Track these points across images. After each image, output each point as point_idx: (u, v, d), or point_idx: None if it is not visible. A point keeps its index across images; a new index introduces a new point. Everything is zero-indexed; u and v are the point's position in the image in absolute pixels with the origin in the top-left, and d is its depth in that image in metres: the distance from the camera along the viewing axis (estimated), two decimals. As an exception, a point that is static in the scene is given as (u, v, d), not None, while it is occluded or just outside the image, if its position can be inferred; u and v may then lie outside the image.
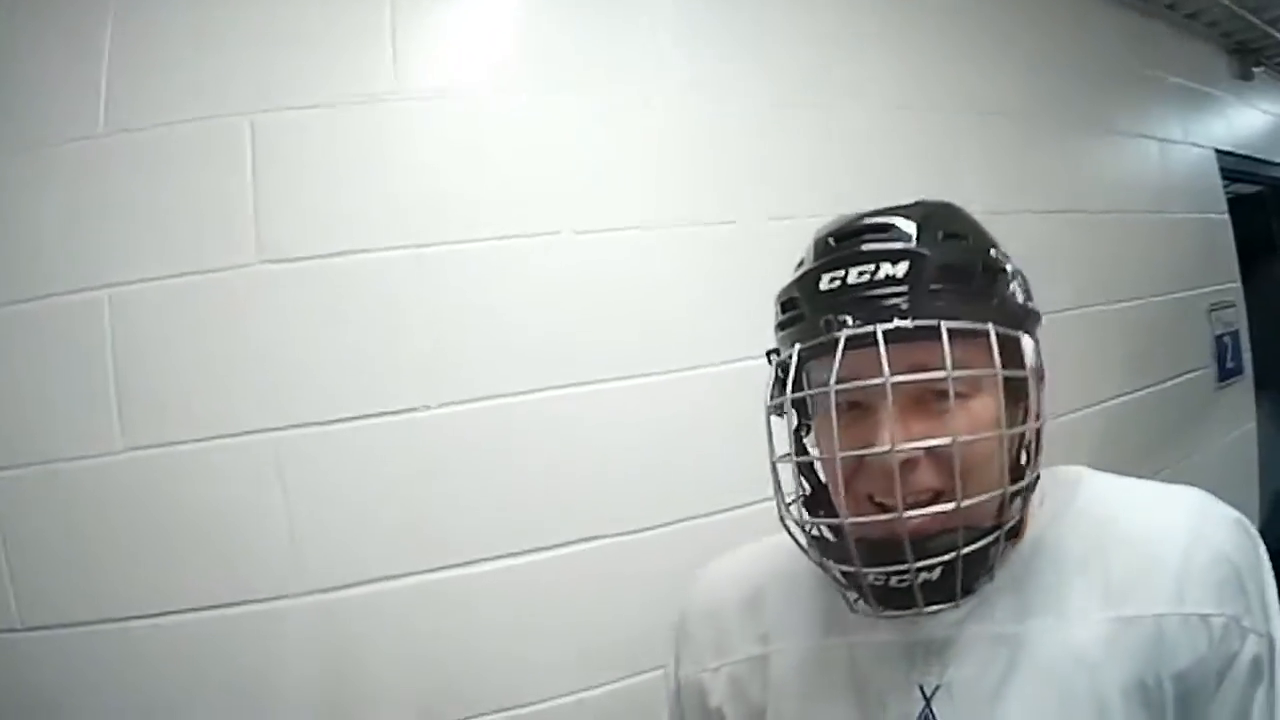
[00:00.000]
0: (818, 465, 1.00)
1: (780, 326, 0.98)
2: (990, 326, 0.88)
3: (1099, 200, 2.82)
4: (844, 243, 0.93)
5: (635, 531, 1.69)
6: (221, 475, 1.49)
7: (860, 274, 0.89)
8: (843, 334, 0.87)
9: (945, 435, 0.86)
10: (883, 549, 0.88)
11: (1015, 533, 0.96)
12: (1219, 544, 0.97)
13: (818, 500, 1.00)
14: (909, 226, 0.92)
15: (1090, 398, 2.59)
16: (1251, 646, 0.94)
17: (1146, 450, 2.83)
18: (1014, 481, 0.91)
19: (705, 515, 1.74)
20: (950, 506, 0.85)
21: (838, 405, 0.89)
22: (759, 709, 1.09)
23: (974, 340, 0.88)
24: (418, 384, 1.58)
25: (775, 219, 1.91)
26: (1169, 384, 3.01)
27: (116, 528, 1.46)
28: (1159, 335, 3.02)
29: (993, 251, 0.96)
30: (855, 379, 0.87)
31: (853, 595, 0.95)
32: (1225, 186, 3.75)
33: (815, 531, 0.97)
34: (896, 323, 0.86)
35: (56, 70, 1.54)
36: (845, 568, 0.91)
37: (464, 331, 1.61)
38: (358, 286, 1.55)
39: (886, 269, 0.89)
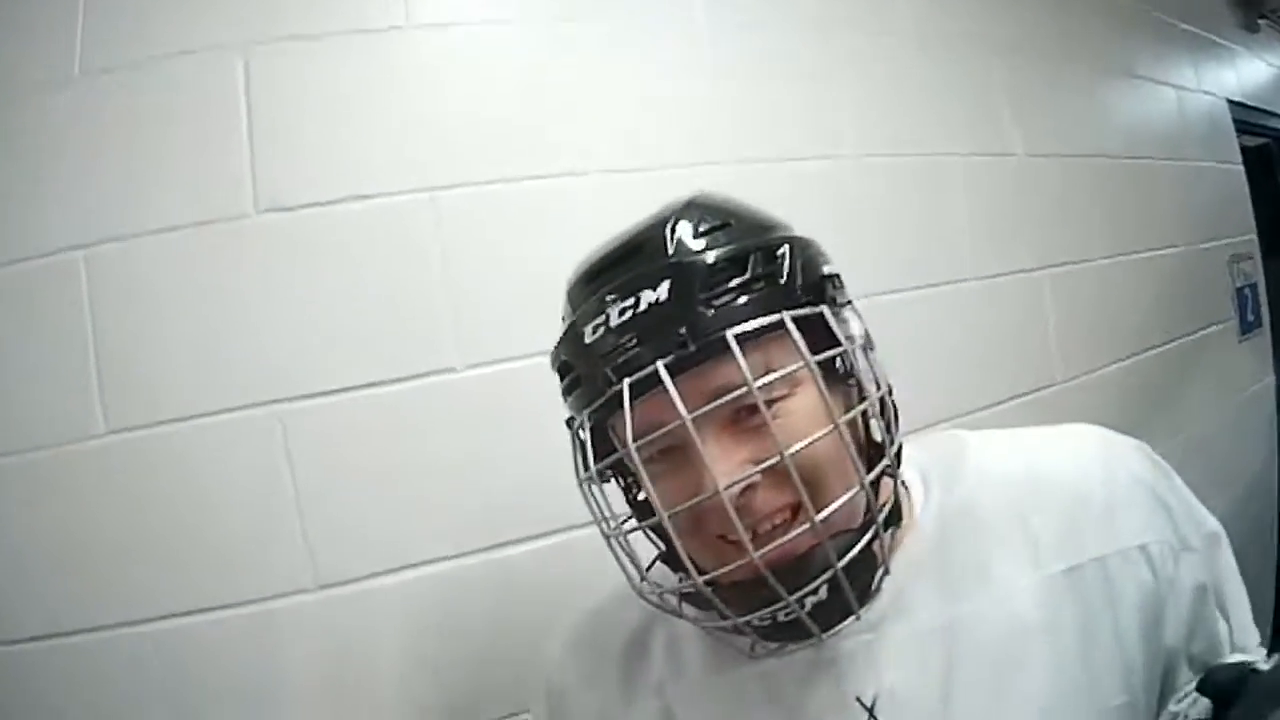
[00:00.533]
0: (661, 530, 0.92)
1: (565, 393, 0.92)
2: (784, 315, 0.82)
3: (1121, 145, 2.79)
4: (595, 283, 0.87)
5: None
6: (219, 456, 1.38)
7: (621, 312, 0.83)
8: (624, 385, 0.81)
9: (772, 451, 0.79)
10: (754, 590, 0.82)
11: (896, 517, 0.91)
12: (1133, 472, 0.97)
13: (672, 555, 0.91)
14: (661, 240, 0.87)
15: (1118, 352, 2.55)
16: (1191, 562, 0.94)
17: (1170, 407, 2.79)
18: (871, 466, 0.87)
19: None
20: (805, 527, 0.79)
21: (651, 459, 0.84)
22: None
23: (774, 335, 0.82)
24: (443, 343, 1.48)
25: (821, 157, 1.86)
26: (1194, 337, 2.98)
27: (101, 523, 1.37)
28: (1184, 287, 2.98)
29: (764, 229, 0.90)
30: (658, 425, 0.81)
31: (745, 642, 0.91)
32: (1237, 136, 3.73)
33: (683, 591, 0.90)
34: (675, 354, 0.80)
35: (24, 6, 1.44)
36: (722, 623, 0.86)
37: (488, 284, 1.51)
38: (367, 235, 1.46)
39: (647, 297, 0.83)
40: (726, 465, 0.80)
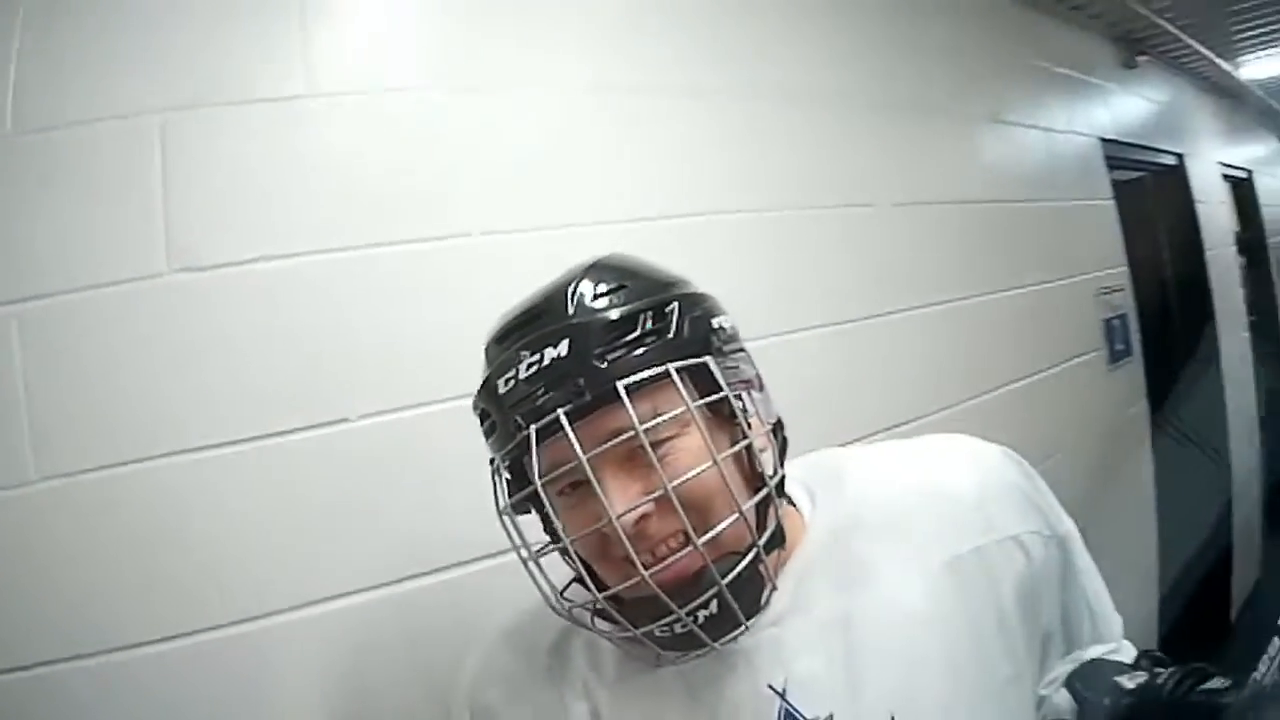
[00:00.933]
0: (569, 554, 1.02)
1: (486, 436, 1.03)
2: (669, 366, 0.94)
3: (987, 188, 2.99)
4: (506, 341, 1.00)
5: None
6: (146, 500, 1.45)
7: (529, 367, 0.95)
8: (530, 430, 0.93)
9: (659, 485, 0.91)
10: (651, 605, 0.93)
11: (779, 541, 1.04)
12: (1001, 472, 1.12)
13: (592, 575, 1.02)
14: (563, 302, 0.98)
15: (981, 386, 2.75)
16: (1057, 547, 1.11)
17: (1041, 433, 3.00)
18: (755, 492, 0.99)
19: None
20: (687, 551, 0.92)
21: (561, 492, 0.97)
22: None
23: (662, 383, 0.94)
24: (340, 395, 1.57)
25: (683, 215, 2.01)
26: (1060, 368, 3.19)
27: (36, 565, 1.40)
28: (1049, 320, 3.20)
29: (660, 288, 1.02)
30: (563, 464, 0.92)
31: (651, 655, 1.00)
32: (1108, 173, 3.95)
33: (594, 607, 1.00)
34: (572, 403, 0.92)
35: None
36: (626, 634, 0.98)
37: (382, 338, 1.62)
38: (273, 294, 1.55)
39: (550, 353, 0.95)
40: (621, 498, 0.92)
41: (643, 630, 0.95)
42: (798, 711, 1.01)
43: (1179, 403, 4.51)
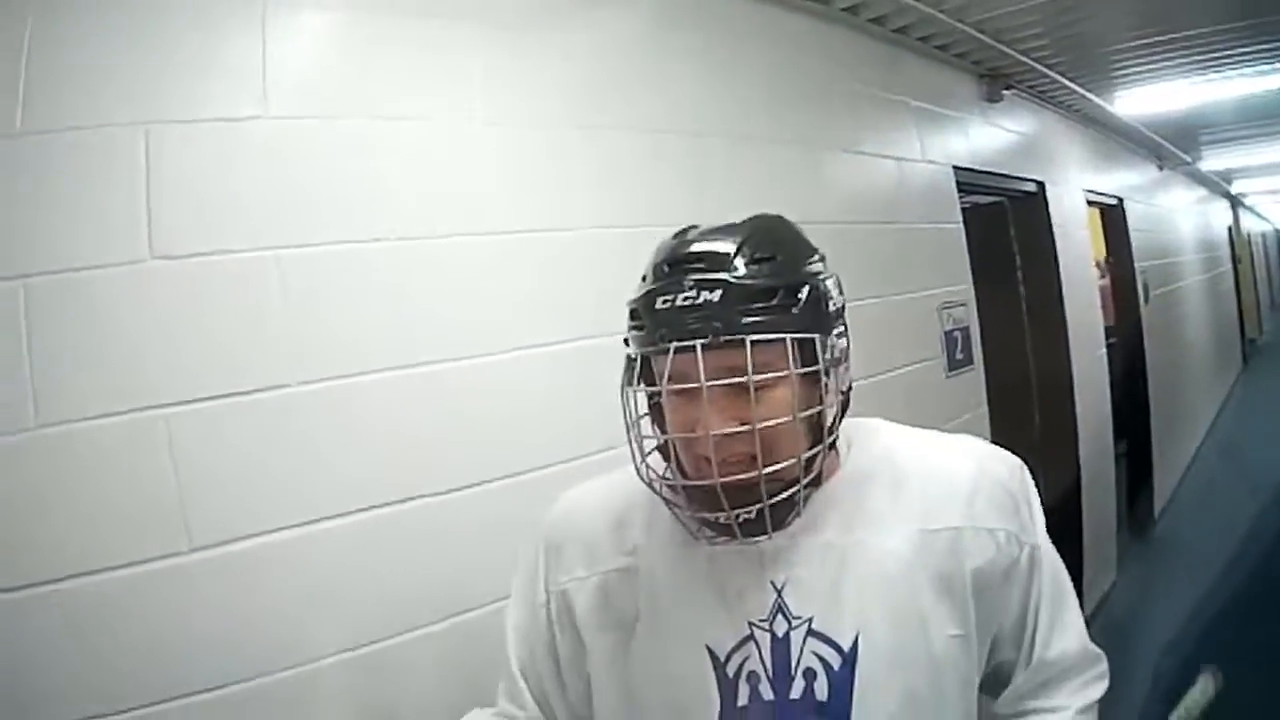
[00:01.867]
0: (663, 437, 1.30)
1: (631, 329, 1.26)
2: (786, 336, 1.19)
3: (838, 212, 3.38)
4: (675, 269, 1.22)
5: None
6: (127, 445, 1.74)
7: (685, 299, 1.18)
8: (671, 346, 1.17)
9: (746, 421, 1.18)
10: (710, 498, 1.20)
11: (817, 481, 1.29)
12: (999, 476, 1.38)
13: (666, 452, 1.31)
14: (727, 254, 1.21)
15: None
16: (1025, 554, 1.35)
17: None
18: (815, 443, 1.25)
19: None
20: (753, 474, 1.18)
21: (674, 392, 1.22)
22: (627, 618, 1.36)
23: (776, 345, 1.19)
24: (281, 365, 1.89)
25: (563, 229, 2.41)
26: (900, 371, 3.59)
27: (36, 500, 1.66)
28: (892, 330, 3.59)
29: (799, 268, 1.26)
30: (683, 376, 1.17)
31: (695, 527, 1.26)
32: (964, 197, 4.34)
33: (663, 480, 1.27)
34: (710, 339, 1.16)
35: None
36: (679, 508, 1.25)
37: (317, 320, 1.95)
38: (235, 280, 1.88)
39: (705, 295, 1.17)
40: (720, 419, 1.18)
41: (695, 513, 1.23)
42: (787, 606, 1.29)
43: (1024, 408, 5.02)
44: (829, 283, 1.30)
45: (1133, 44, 4.77)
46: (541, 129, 2.45)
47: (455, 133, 2.26)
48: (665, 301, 1.20)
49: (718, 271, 1.20)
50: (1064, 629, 1.38)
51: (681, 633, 1.33)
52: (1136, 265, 7.43)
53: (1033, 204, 5.34)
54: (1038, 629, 1.37)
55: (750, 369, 1.16)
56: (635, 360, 1.27)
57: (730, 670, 1.29)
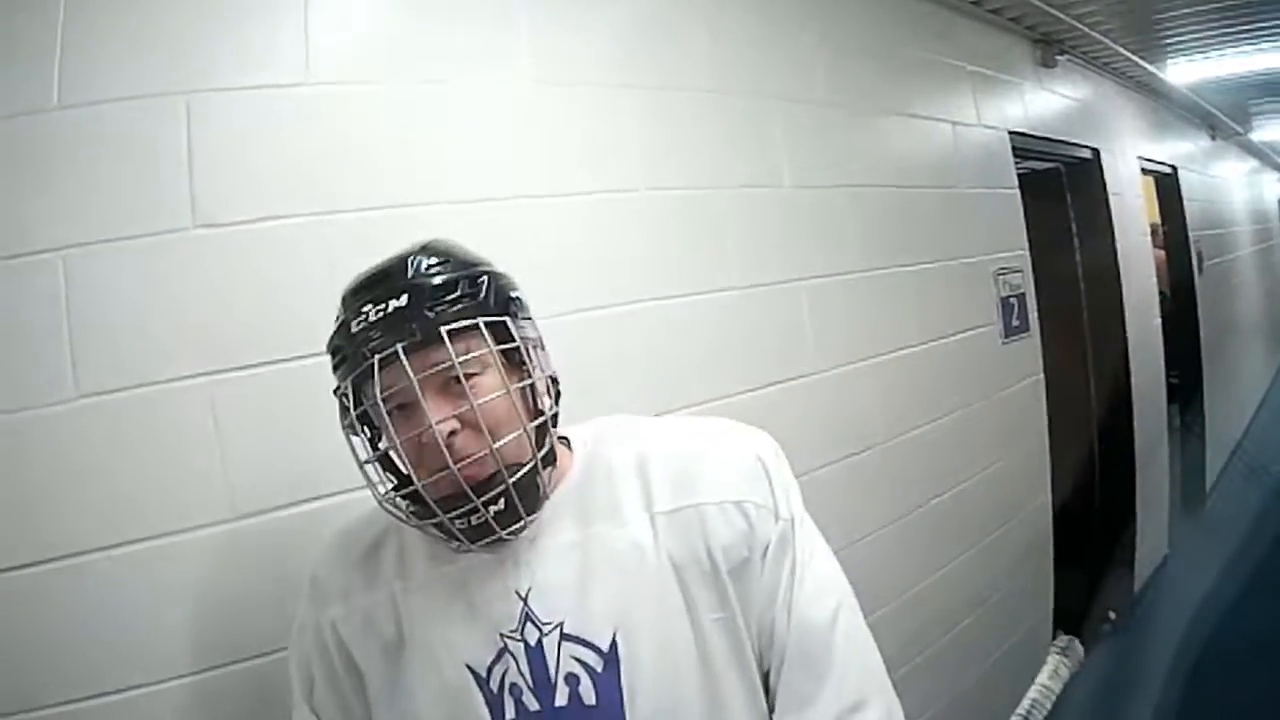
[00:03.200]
0: (396, 458, 1.28)
1: (335, 369, 1.29)
2: (478, 320, 1.23)
3: (894, 176, 3.35)
4: (360, 293, 1.26)
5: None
6: (166, 414, 1.74)
7: (377, 312, 1.22)
8: (375, 358, 1.20)
9: (464, 406, 1.20)
10: (456, 500, 1.21)
11: (551, 460, 1.32)
12: (745, 449, 1.38)
13: (403, 485, 1.29)
14: (404, 268, 1.26)
15: (882, 347, 3.14)
16: (779, 527, 1.33)
17: (937, 394, 3.42)
18: (533, 420, 1.27)
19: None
20: (484, 453, 1.20)
21: (390, 412, 1.22)
22: (392, 646, 1.35)
23: (471, 334, 1.22)
24: (329, 332, 1.71)
25: (618, 190, 2.39)
26: (955, 338, 3.56)
27: (75, 469, 1.68)
28: (947, 296, 3.56)
29: (471, 266, 1.30)
30: (395, 387, 1.20)
31: (453, 543, 1.28)
32: (1019, 163, 4.28)
33: (408, 505, 1.27)
34: (408, 339, 1.19)
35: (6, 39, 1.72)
36: (433, 521, 1.23)
37: None
38: (273, 249, 1.87)
39: (393, 304, 1.22)
40: (438, 411, 1.19)
41: (447, 516, 1.22)
42: (535, 615, 1.29)
43: (1079, 378, 4.95)
44: (508, 278, 1.35)
45: (1184, 11, 4.72)
46: (593, 88, 2.42)
47: (503, 94, 2.24)
48: (359, 323, 1.23)
49: (399, 281, 1.25)
50: (813, 601, 1.33)
51: (444, 653, 1.32)
52: (1190, 235, 7.31)
53: (1088, 170, 5.24)
54: (792, 601, 1.32)
55: (454, 357, 1.20)
56: (347, 396, 1.26)
57: (494, 686, 1.29)
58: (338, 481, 1.79)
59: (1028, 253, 4.22)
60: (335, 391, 1.29)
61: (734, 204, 2.72)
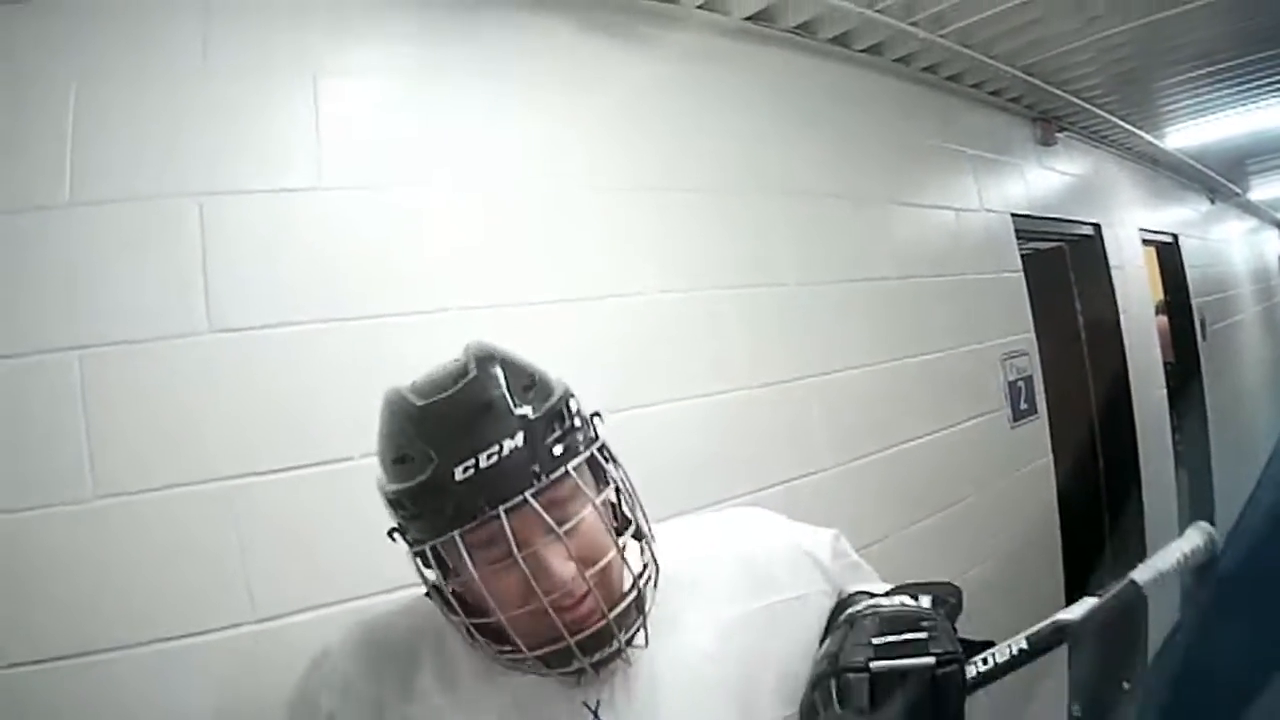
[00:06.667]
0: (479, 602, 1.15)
1: (409, 518, 1.15)
2: (592, 451, 1.17)
3: (896, 266, 3.36)
4: (455, 431, 1.10)
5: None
6: (184, 517, 1.74)
7: (489, 457, 1.07)
8: (501, 511, 1.06)
9: (579, 560, 1.11)
10: (556, 642, 1.12)
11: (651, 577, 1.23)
12: (786, 537, 1.37)
13: (483, 625, 1.17)
14: (503, 399, 1.11)
15: (891, 439, 3.14)
16: (829, 599, 1.32)
17: (948, 483, 3.41)
18: (637, 553, 1.22)
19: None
20: (602, 623, 1.13)
21: (491, 564, 1.11)
22: None
23: (578, 471, 1.14)
24: (345, 437, 1.83)
25: (620, 295, 2.40)
26: (964, 425, 3.56)
27: (93, 570, 1.67)
28: (954, 383, 3.56)
29: (550, 383, 1.19)
30: (503, 540, 1.07)
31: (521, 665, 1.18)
32: (1022, 244, 4.28)
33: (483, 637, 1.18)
34: (537, 485, 1.08)
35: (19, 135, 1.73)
36: (514, 655, 1.15)
37: (380, 391, 1.83)
38: (289, 353, 1.88)
39: (508, 445, 1.08)
40: (560, 568, 1.10)
41: (536, 654, 1.14)
42: None
43: (1088, 454, 4.93)
44: (572, 393, 1.23)
45: (1180, 78, 4.73)
46: (599, 192, 2.46)
47: (512, 199, 2.29)
48: (466, 470, 1.08)
49: (506, 417, 1.11)
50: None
51: None
52: (1194, 301, 7.31)
53: (1090, 247, 5.28)
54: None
55: (593, 497, 1.14)
56: (427, 551, 1.15)
57: None
58: (363, 585, 1.81)
59: (1033, 334, 4.23)
60: (398, 537, 1.20)
61: (738, 304, 2.75)
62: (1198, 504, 6.84)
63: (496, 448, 1.08)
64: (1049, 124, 4.83)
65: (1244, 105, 5.37)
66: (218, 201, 1.86)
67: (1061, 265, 5.20)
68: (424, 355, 1.95)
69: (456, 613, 1.17)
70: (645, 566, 1.22)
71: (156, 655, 1.70)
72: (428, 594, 1.22)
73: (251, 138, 1.93)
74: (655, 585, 1.22)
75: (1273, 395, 10.29)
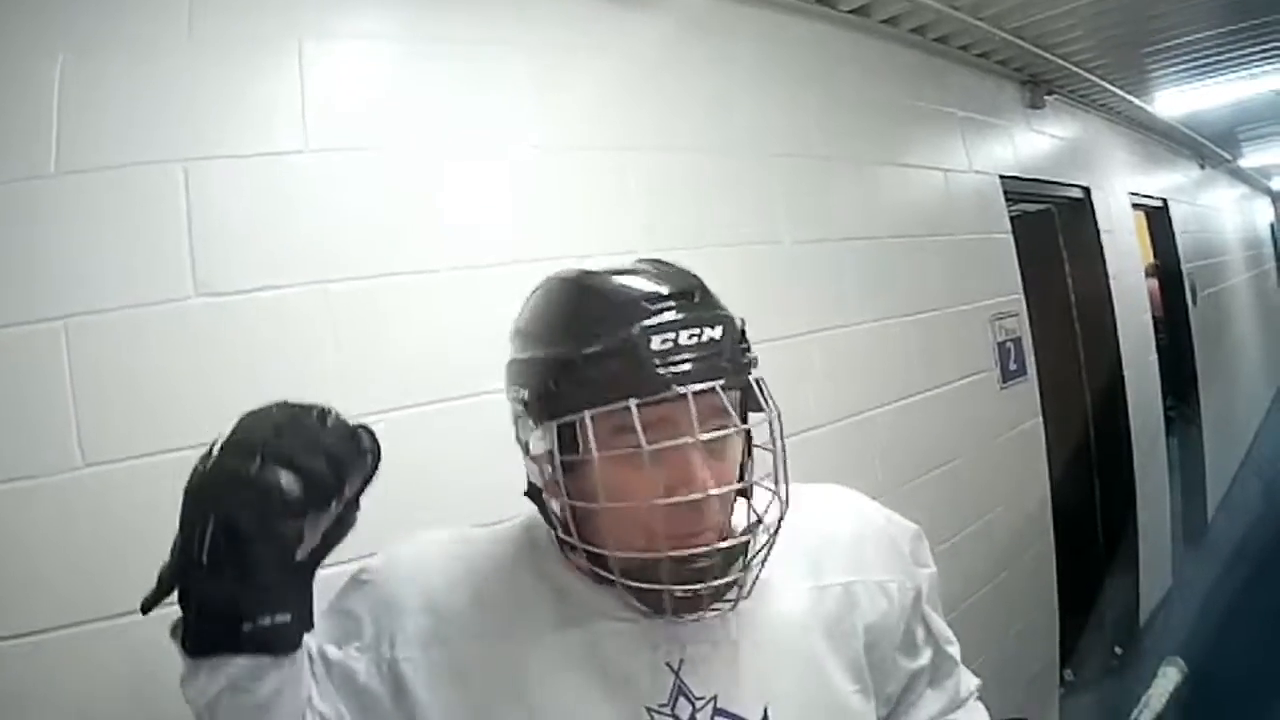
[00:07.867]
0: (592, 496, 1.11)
1: (581, 383, 1.08)
2: (760, 379, 1.14)
3: (888, 227, 3.37)
4: (661, 306, 1.09)
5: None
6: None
7: (690, 337, 1.06)
8: (689, 388, 1.03)
9: (732, 477, 1.12)
10: (689, 571, 1.09)
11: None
12: (876, 522, 1.38)
13: (580, 520, 1.15)
14: (709, 292, 1.14)
15: (883, 398, 3.15)
16: (911, 595, 1.34)
17: (937, 440, 3.43)
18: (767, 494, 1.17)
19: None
20: (745, 539, 1.14)
21: (661, 448, 1.05)
22: (480, 706, 1.18)
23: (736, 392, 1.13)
24: (331, 399, 1.75)
25: (618, 254, 2.31)
26: (954, 385, 3.57)
27: (79, 540, 1.66)
28: (944, 344, 3.57)
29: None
30: (671, 424, 1.05)
31: (652, 600, 1.14)
32: (1011, 206, 4.29)
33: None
34: (723, 379, 1.06)
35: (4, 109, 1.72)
36: (650, 585, 1.10)
37: (368, 355, 1.95)
38: (276, 318, 1.87)
39: (709, 333, 1.07)
40: (716, 475, 1.08)
41: (672, 588, 1.10)
42: (688, 689, 1.17)
43: (1078, 417, 4.96)
44: None
45: (1170, 44, 4.73)
46: (591, 152, 2.45)
47: (502, 159, 2.27)
48: (665, 341, 1.06)
49: (713, 307, 1.12)
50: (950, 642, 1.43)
51: None
52: (1184, 266, 7.34)
53: (1079, 210, 5.28)
54: (931, 647, 1.40)
55: (768, 407, 1.11)
56: (576, 424, 1.10)
57: None
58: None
59: (1023, 296, 4.24)
60: (530, 406, 1.16)
61: (737, 261, 2.74)
62: (1187, 470, 6.90)
63: (698, 331, 1.07)
64: (1038, 86, 4.83)
65: (1235, 72, 5.38)
66: (203, 166, 1.85)
67: (1050, 227, 5.23)
68: (412, 317, 2.02)
69: (569, 497, 1.12)
70: (775, 519, 1.16)
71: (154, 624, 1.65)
72: (528, 493, 1.22)
73: (237, 102, 1.91)
74: (770, 548, 1.15)
75: (1263, 361, 10.36)
